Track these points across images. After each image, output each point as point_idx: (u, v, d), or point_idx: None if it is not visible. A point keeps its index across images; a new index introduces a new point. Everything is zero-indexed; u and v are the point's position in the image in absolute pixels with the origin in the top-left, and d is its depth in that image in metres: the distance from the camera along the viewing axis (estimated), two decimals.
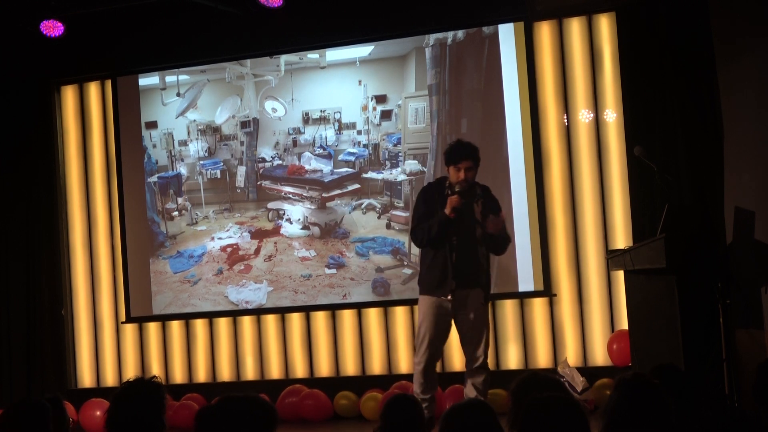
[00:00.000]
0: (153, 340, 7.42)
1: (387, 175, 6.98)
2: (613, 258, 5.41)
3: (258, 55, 7.26)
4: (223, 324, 7.28)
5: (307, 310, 7.07)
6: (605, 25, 6.64)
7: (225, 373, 7.25)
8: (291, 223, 7.16)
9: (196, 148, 7.39)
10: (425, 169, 6.89)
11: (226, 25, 7.12)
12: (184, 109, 7.43)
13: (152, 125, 7.47)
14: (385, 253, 6.92)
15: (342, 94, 7.09)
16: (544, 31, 6.76)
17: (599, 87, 6.66)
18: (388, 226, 6.94)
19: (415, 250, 6.84)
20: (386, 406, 3.22)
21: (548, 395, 2.51)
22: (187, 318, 7.31)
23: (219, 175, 7.35)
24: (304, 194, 7.15)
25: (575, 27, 6.71)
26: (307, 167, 7.16)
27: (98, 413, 6.72)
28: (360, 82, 7.04)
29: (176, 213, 7.41)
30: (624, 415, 2.60)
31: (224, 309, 7.21)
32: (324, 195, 7.10)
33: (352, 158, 7.07)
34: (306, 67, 7.19)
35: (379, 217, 6.97)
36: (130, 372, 7.36)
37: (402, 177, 6.94)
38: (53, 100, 7.64)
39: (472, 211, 5.01)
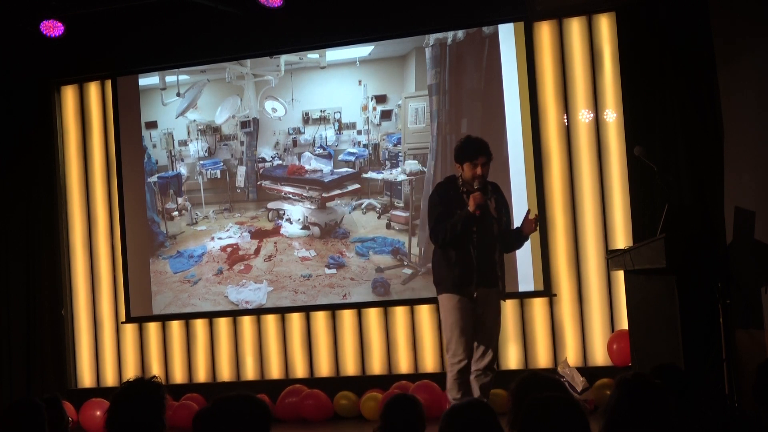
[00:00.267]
0: (153, 340, 7.42)
1: (387, 175, 6.98)
2: (613, 258, 5.41)
3: (258, 55, 7.26)
4: (223, 324, 7.28)
5: (307, 310, 7.07)
6: (605, 25, 6.64)
7: (225, 373, 7.25)
8: (291, 223, 7.16)
9: (196, 148, 7.39)
10: (425, 169, 6.89)
11: (226, 25, 7.12)
12: (184, 109, 7.43)
13: (152, 125, 7.47)
14: (385, 253, 6.92)
15: (342, 94, 7.09)
16: (544, 31, 6.76)
17: (599, 87, 6.66)
18: (388, 226, 6.94)
19: (415, 251, 6.85)
20: (386, 406, 3.21)
21: (548, 395, 2.50)
22: (187, 318, 7.31)
23: (219, 175, 7.35)
24: (304, 194, 7.15)
25: (575, 27, 6.71)
26: (307, 167, 7.16)
27: (98, 413, 6.72)
28: (360, 82, 7.04)
29: (176, 213, 7.41)
30: (624, 414, 2.60)
31: (224, 309, 7.21)
32: (324, 195, 7.10)
33: (352, 158, 7.07)
34: (306, 67, 7.19)
35: (379, 217, 6.97)
36: (130, 372, 7.36)
37: (402, 177, 6.94)
38: (53, 100, 7.64)
39: (488, 207, 5.00)
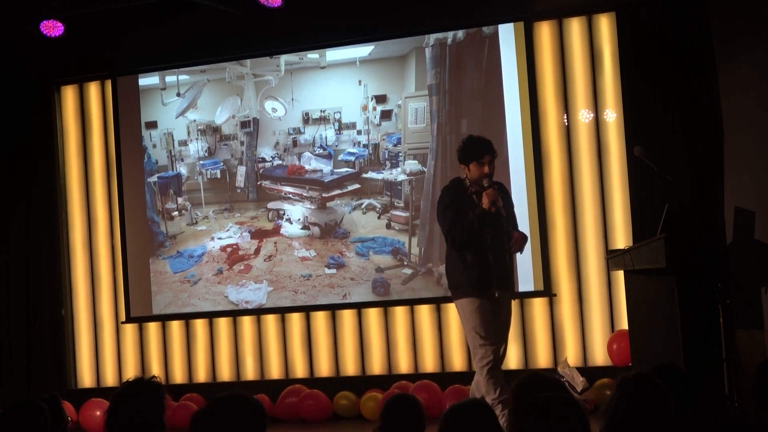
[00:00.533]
0: (153, 340, 7.42)
1: (387, 175, 6.98)
2: (613, 258, 5.41)
3: (258, 55, 7.26)
4: (223, 324, 7.28)
5: (307, 310, 7.07)
6: (605, 25, 6.64)
7: (225, 373, 7.25)
8: (291, 223, 7.16)
9: (196, 148, 7.39)
10: (425, 169, 6.89)
11: (226, 25, 7.12)
12: (184, 109, 7.43)
13: (152, 125, 7.47)
14: (385, 253, 6.92)
15: (342, 94, 7.09)
16: (544, 31, 6.76)
17: (599, 87, 6.66)
18: (388, 226, 6.94)
19: (415, 251, 6.85)
20: (386, 406, 3.22)
21: (548, 395, 2.50)
22: (187, 318, 7.31)
23: (219, 175, 7.35)
24: (304, 194, 7.15)
25: (575, 27, 6.71)
26: (307, 167, 7.16)
27: (98, 413, 6.73)
28: (360, 82, 7.04)
29: (176, 213, 7.41)
30: (625, 414, 2.60)
31: (224, 309, 7.21)
32: (324, 195, 7.10)
33: (352, 158, 7.07)
34: (306, 67, 7.19)
35: (379, 217, 6.97)
36: (130, 372, 7.36)
37: (402, 177, 6.94)
38: (53, 100, 7.65)
39: (500, 204, 4.96)
